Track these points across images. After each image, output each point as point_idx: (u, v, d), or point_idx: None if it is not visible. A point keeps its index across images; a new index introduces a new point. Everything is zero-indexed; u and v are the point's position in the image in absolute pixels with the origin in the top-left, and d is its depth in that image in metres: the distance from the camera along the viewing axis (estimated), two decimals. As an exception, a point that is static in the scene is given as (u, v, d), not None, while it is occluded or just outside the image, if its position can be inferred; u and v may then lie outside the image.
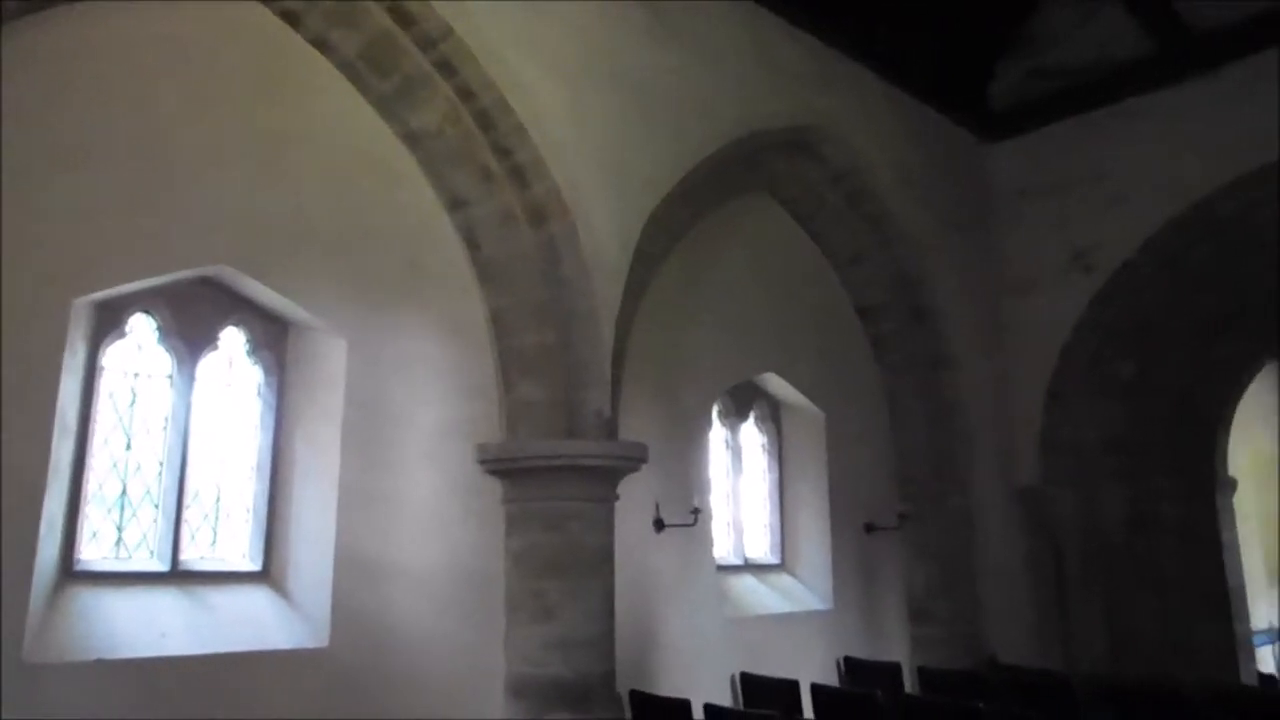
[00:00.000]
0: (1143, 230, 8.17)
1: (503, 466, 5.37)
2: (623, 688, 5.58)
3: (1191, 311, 8.28)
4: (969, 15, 8.49)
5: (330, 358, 5.07)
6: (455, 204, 5.51)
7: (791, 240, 7.96)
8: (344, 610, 4.75)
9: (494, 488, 5.44)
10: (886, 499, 8.17)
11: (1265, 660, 11.30)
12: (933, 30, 8.26)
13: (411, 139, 5.40)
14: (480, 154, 5.36)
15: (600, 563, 5.36)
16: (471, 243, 5.53)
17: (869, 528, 7.99)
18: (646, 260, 5.91)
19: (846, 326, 8.32)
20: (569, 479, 5.28)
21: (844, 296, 8.32)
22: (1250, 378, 8.77)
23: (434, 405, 5.34)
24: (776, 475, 8.00)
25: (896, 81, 8.13)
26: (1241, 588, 8.71)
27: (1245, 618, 8.73)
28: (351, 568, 4.82)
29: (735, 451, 7.71)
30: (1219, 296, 8.18)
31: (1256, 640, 10.29)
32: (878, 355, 8.41)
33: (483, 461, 5.40)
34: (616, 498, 5.55)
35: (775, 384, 7.81)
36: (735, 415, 7.73)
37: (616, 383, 5.56)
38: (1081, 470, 8.53)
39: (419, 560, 5.11)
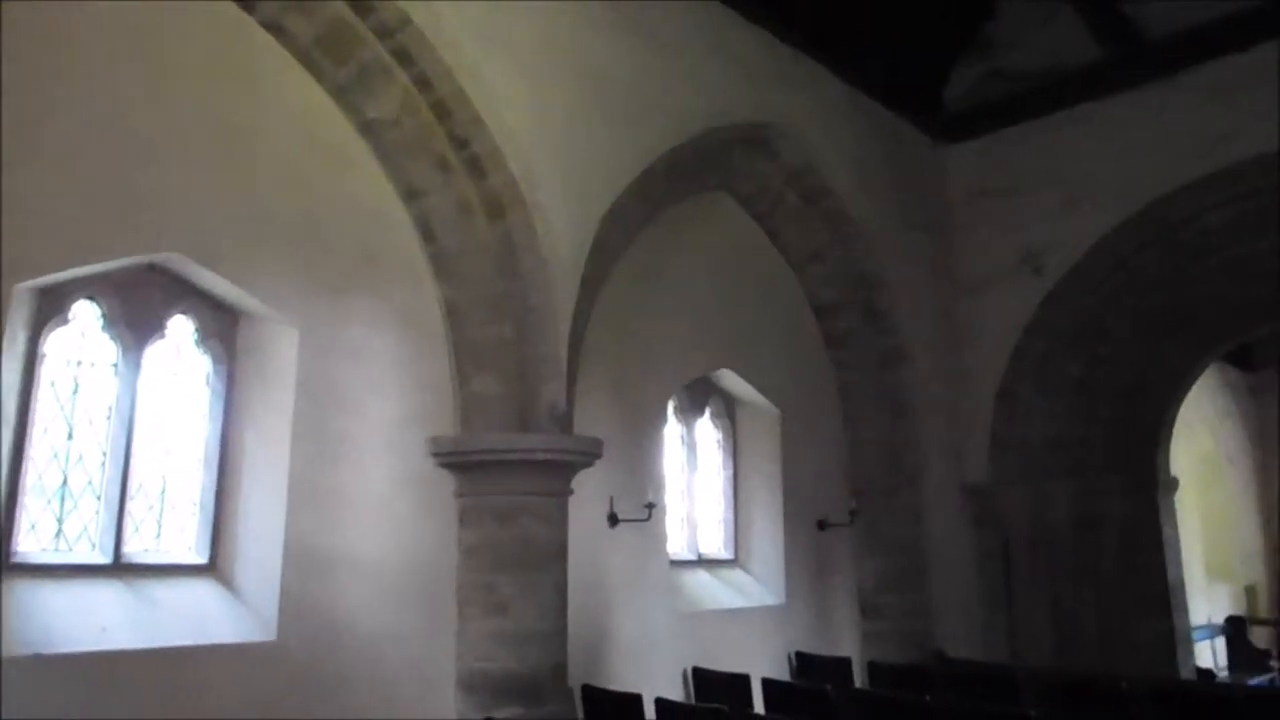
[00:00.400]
0: (1093, 233, 8.33)
1: (456, 460, 5.34)
2: (575, 682, 5.59)
3: (1138, 314, 8.45)
4: (927, 18, 8.58)
5: (282, 348, 5.00)
6: (411, 194, 5.45)
7: (749, 237, 8.00)
8: (293, 604, 4.69)
9: (447, 481, 5.40)
10: (839, 495, 8.25)
11: (1203, 655, 11.62)
12: (891, 32, 8.33)
13: (367, 128, 5.33)
14: (437, 144, 5.31)
15: (553, 557, 5.35)
16: (427, 234, 5.48)
17: (821, 524, 8.07)
18: (604, 255, 5.90)
19: (802, 324, 8.38)
20: (523, 473, 5.26)
21: (800, 294, 8.38)
22: (1193, 380, 8.98)
23: (387, 397, 5.28)
24: (731, 471, 8.04)
25: (855, 81, 8.20)
26: (1181, 584, 8.92)
27: (1185, 613, 8.95)
28: (301, 561, 4.76)
29: (691, 447, 7.74)
30: (1165, 300, 8.36)
31: (1195, 635, 10.57)
32: (832, 353, 8.49)
33: (436, 455, 5.35)
34: (570, 492, 5.55)
35: (731, 380, 7.85)
36: (691, 411, 7.76)
37: (572, 377, 5.55)
38: (1029, 468, 8.68)
39: (370, 553, 5.07)
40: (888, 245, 8.28)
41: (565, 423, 5.45)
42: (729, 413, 8.12)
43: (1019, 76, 8.88)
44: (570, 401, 5.52)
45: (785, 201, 7.86)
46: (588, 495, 5.95)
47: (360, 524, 5.06)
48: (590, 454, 5.55)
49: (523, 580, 5.22)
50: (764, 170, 7.61)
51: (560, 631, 5.36)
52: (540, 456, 5.26)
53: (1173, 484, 9.08)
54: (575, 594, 5.59)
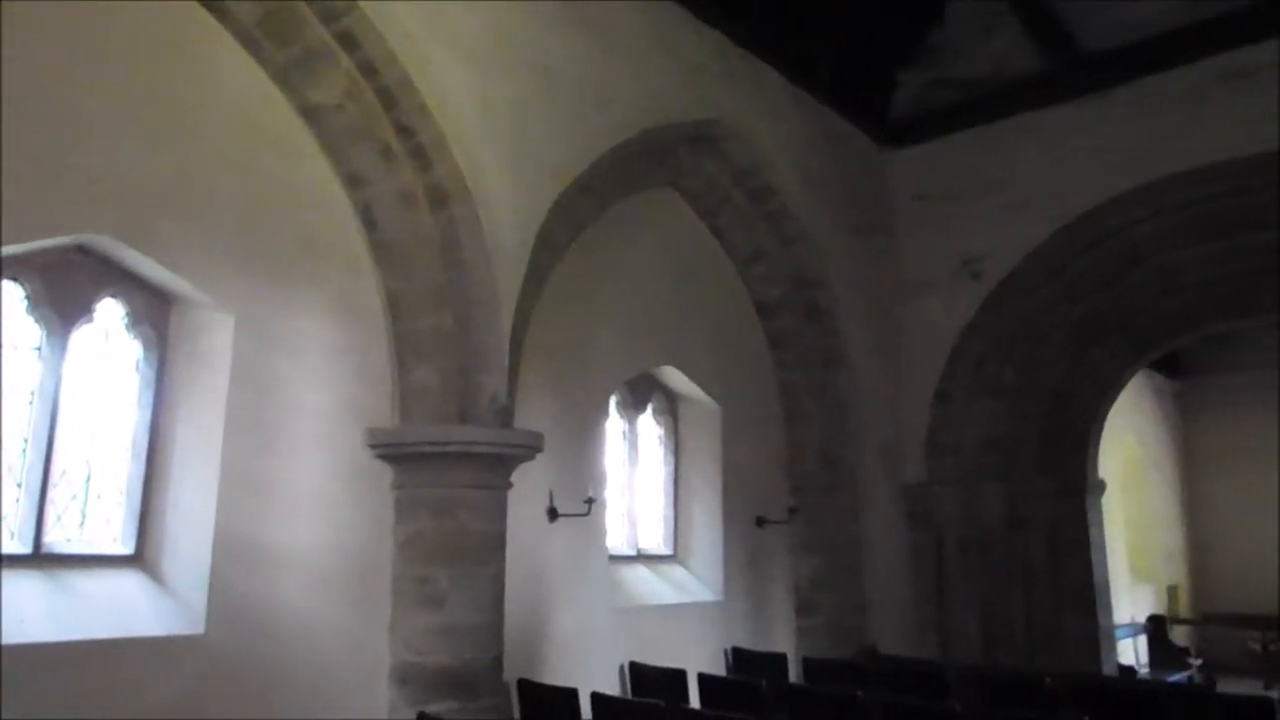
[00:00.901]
0: (1030, 240, 8.53)
1: (393, 451, 5.27)
2: (511, 676, 5.58)
3: (1071, 320, 8.67)
4: (875, 23, 8.69)
5: (216, 335, 4.89)
6: (353, 181, 5.37)
7: (695, 235, 8.04)
8: (222, 596, 4.59)
9: (384, 473, 5.33)
10: (777, 493, 8.34)
11: (1126, 652, 11.99)
12: (839, 35, 8.43)
13: (310, 113, 5.23)
14: (381, 132, 5.23)
15: (490, 551, 5.32)
16: (369, 222, 5.40)
17: (760, 521, 8.15)
18: (549, 248, 5.88)
19: (745, 322, 8.45)
20: (461, 466, 5.21)
21: (744, 292, 8.44)
22: (1122, 386, 9.23)
23: (324, 387, 5.20)
24: (672, 467, 8.08)
25: (802, 84, 8.28)
26: (1106, 584, 9.18)
27: (1109, 612, 9.21)
28: (231, 552, 4.66)
29: (632, 443, 7.75)
30: (1096, 307, 8.58)
31: (1119, 634, 10.90)
32: (774, 352, 8.57)
33: (373, 446, 5.29)
34: (510, 486, 5.52)
35: (674, 377, 7.88)
36: (633, 407, 7.77)
37: (514, 370, 5.52)
38: (963, 469, 8.86)
39: (303, 545, 4.98)
40: (831, 247, 8.38)
41: (506, 416, 5.42)
42: (671, 409, 8.15)
43: (963, 84, 9.04)
44: (511, 395, 5.49)
45: (732, 200, 7.91)
46: (527, 489, 5.93)
47: (294, 515, 4.97)
48: (531, 448, 5.53)
49: (459, 573, 5.18)
50: (711, 169, 7.65)
51: (496, 625, 5.34)
52: (480, 449, 5.23)
53: (1100, 487, 9.33)
54: (513, 588, 5.57)
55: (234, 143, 4.95)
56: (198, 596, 4.56)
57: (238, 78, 5.02)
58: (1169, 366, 15.17)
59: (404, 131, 5.21)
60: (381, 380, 5.41)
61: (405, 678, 5.09)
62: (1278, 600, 13.58)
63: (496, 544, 5.38)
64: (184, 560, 4.66)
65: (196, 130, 4.81)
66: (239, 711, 4.55)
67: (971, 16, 8.95)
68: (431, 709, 4.90)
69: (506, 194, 5.47)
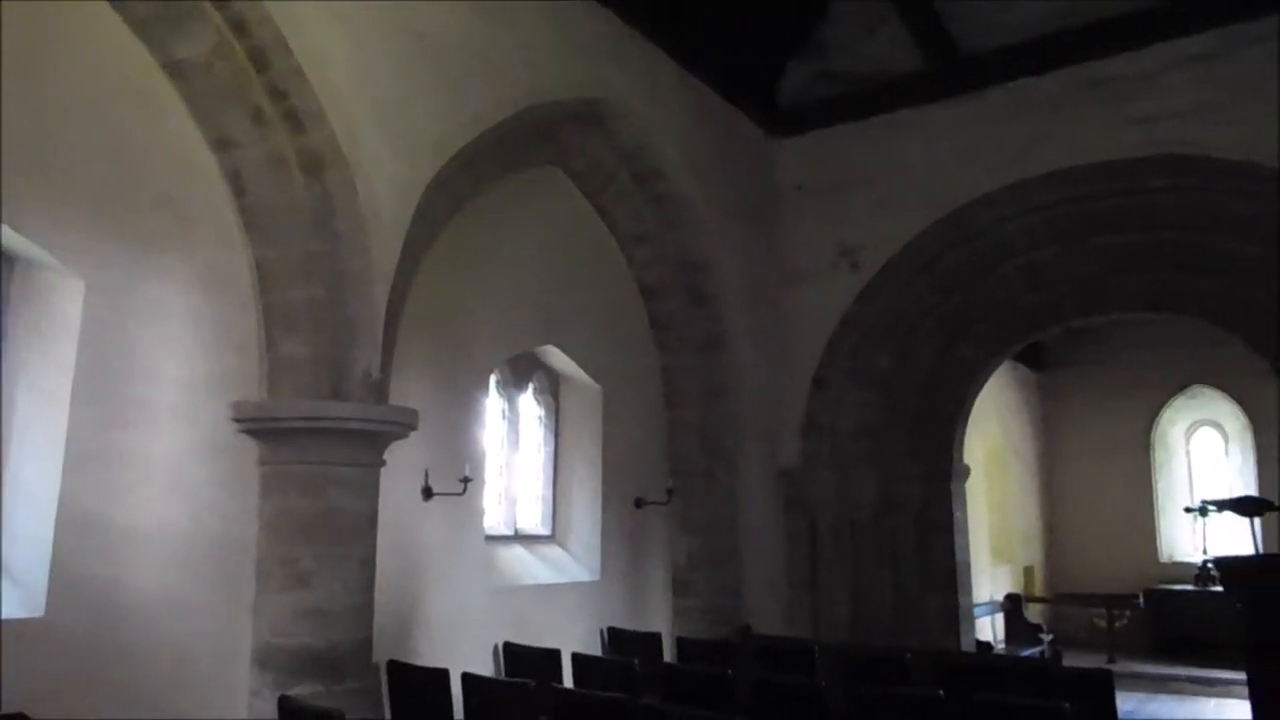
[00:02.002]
0: (904, 234, 8.81)
1: (260, 427, 5.08)
2: (382, 658, 5.47)
3: (941, 312, 9.01)
4: (766, 12, 8.79)
5: (64, 300, 4.59)
6: (222, 144, 5.12)
7: (580, 215, 8.00)
8: (65, 577, 4.33)
9: (250, 449, 5.13)
10: (657, 475, 8.41)
11: (984, 629, 12.61)
12: (731, 22, 8.50)
13: (175, 69, 4.96)
14: (253, 94, 5.00)
15: (361, 530, 5.20)
16: (238, 187, 5.17)
17: (639, 502, 8.20)
18: (428, 222, 5.75)
19: (629, 304, 8.47)
20: (331, 442, 5.06)
21: (628, 274, 8.46)
22: (986, 377, 9.65)
23: (186, 359, 4.96)
24: (552, 448, 8.04)
25: (693, 68, 8.31)
26: (968, 565, 9.62)
27: (969, 591, 9.66)
28: (77, 531, 4.40)
29: (512, 422, 7.68)
30: (965, 300, 8.95)
31: (978, 611, 11.46)
32: (657, 334, 8.63)
33: (238, 420, 5.08)
34: (382, 464, 5.39)
35: (556, 357, 7.84)
36: (514, 386, 7.70)
37: (389, 345, 5.39)
38: (838, 454, 9.13)
39: (159, 523, 4.75)
40: (715, 232, 8.46)
41: (380, 392, 5.29)
42: (553, 389, 8.11)
43: (847, 78, 9.25)
44: (386, 370, 5.36)
45: (617, 181, 7.90)
46: (401, 467, 5.82)
47: (150, 492, 4.73)
48: (405, 425, 5.41)
49: (327, 553, 5.03)
50: (597, 149, 7.62)
51: (366, 606, 5.22)
52: (351, 425, 5.09)
53: (965, 472, 9.74)
54: (385, 568, 5.46)
55: (88, 96, 4.65)
56: (37, 577, 4.29)
57: (94, 27, 4.71)
58: (1032, 358, 15.94)
59: (277, 94, 5.00)
60: (249, 352, 5.20)
61: (268, 661, 4.93)
62: (1123, 580, 14.52)
63: (367, 523, 5.25)
64: (22, 538, 4.37)
65: (47, 81, 4.50)
66: (86, 697, 4.31)
67: (857, 13, 9.16)
68: (294, 692, 4.74)
69: (384, 164, 5.32)
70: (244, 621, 4.99)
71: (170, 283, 4.92)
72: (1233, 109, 7.39)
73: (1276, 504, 12.53)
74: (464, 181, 6.17)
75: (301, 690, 4.78)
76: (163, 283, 4.89)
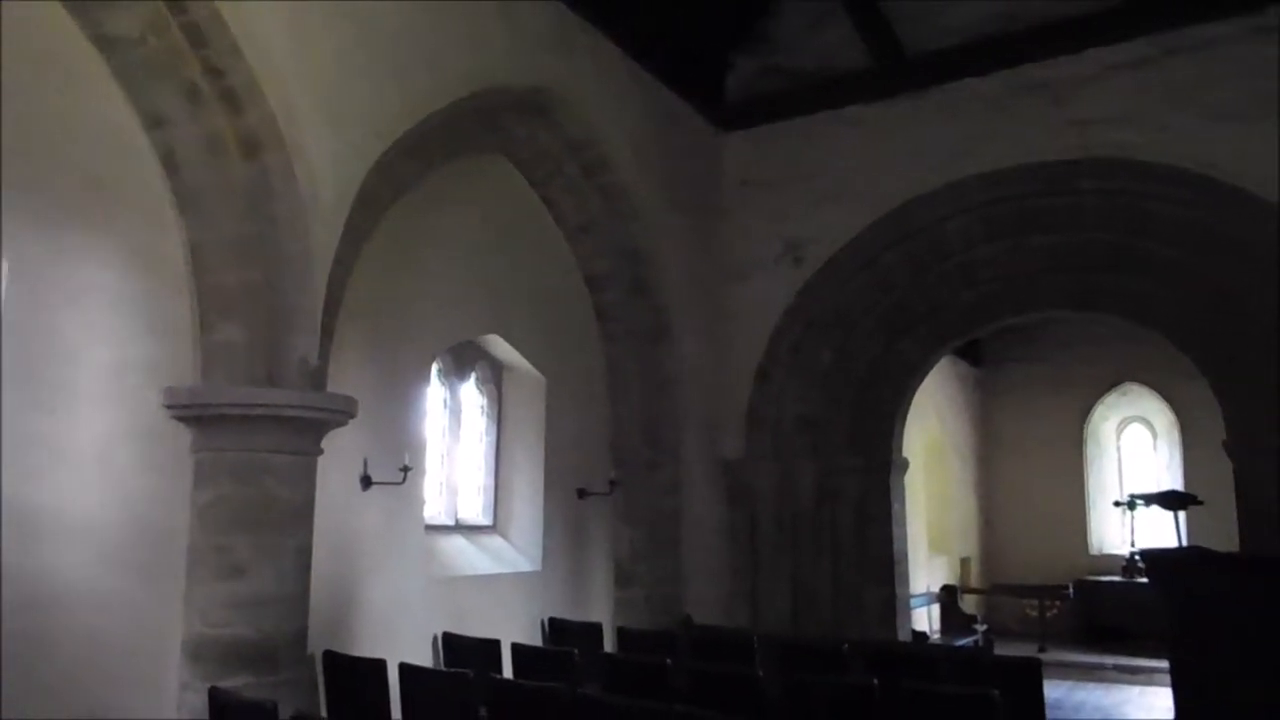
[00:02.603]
0: (847, 230, 8.92)
1: (193, 413, 4.96)
2: (318, 648, 5.41)
3: (882, 308, 9.14)
4: (713, 5, 8.82)
5: (-15, 281, 4.45)
6: (154, 122, 4.98)
7: (525, 203, 7.94)
8: (-15, 565, 4.21)
9: (182, 435, 5.01)
10: (600, 465, 8.41)
11: (920, 620, 12.84)
12: (678, 15, 8.51)
13: (105, 43, 4.81)
14: (188, 71, 4.87)
15: (297, 519, 5.11)
16: (171, 167, 5.03)
17: (581, 493, 8.20)
18: (370, 207, 5.66)
19: (574, 294, 8.44)
20: (267, 429, 4.97)
21: (573, 264, 8.43)
22: (925, 372, 9.81)
23: (116, 342, 4.83)
24: (494, 437, 8.00)
25: (639, 60, 8.30)
26: (905, 556, 9.77)
27: (906, 582, 9.82)
28: (-2, 518, 4.27)
29: (454, 412, 7.62)
30: (905, 296, 9.08)
31: (915, 602, 11.65)
32: (601, 325, 8.62)
33: (171, 406, 4.95)
34: (320, 452, 5.31)
35: (499, 346, 7.79)
36: (456, 375, 7.64)
37: (328, 331, 5.30)
38: (780, 446, 9.21)
39: (85, 511, 4.62)
40: (661, 224, 8.48)
41: (317, 379, 5.21)
42: (495, 379, 8.06)
43: (793, 74, 9.32)
44: (324, 357, 5.27)
45: (563, 171, 7.86)
46: (339, 456, 5.74)
47: (75, 479, 4.60)
48: (343, 413, 5.34)
49: (262, 542, 4.95)
50: (543, 138, 7.57)
51: (302, 596, 5.14)
52: (288, 413, 4.99)
53: (904, 465, 9.90)
54: (322, 558, 5.38)
55: (12, 70, 4.49)
56: (-48, 565, 4.16)
57: (21, -2, 4.56)
58: (972, 355, 16.27)
59: (213, 72, 4.88)
60: (181, 337, 5.07)
61: (199, 652, 4.82)
62: (1054, 571, 14.91)
63: (304, 512, 5.17)
64: (-61, 526, 4.23)
65: (-31, 52, 4.34)
66: (6, 693, 4.18)
67: (803, 9, 9.23)
68: (226, 683, 4.66)
69: (325, 148, 5.22)
70: (174, 612, 4.88)
71: (98, 263, 4.79)
72: (1160, 115, 7.62)
73: (1200, 498, 13.03)
74: (407, 167, 6.09)
75: (234, 682, 4.69)
76: (91, 264, 4.76)
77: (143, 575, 4.82)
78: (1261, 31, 7.37)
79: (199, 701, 4.54)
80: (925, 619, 13.50)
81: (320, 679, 5.47)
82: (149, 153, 5.01)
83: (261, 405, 4.93)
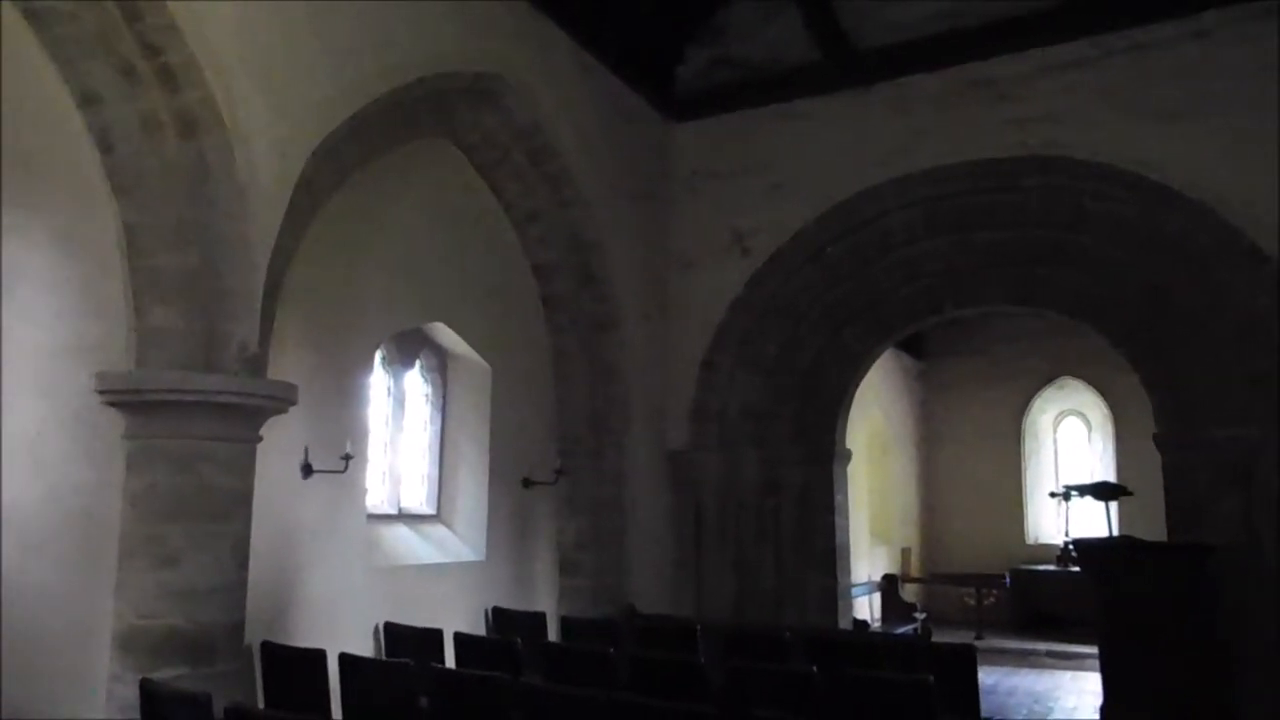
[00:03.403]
0: (794, 222, 9.01)
1: (127, 399, 4.84)
2: (257, 639, 5.33)
3: (827, 300, 9.23)
4: (665, -4, 8.83)
5: (-97, 259, 4.29)
6: (87, 100, 4.84)
7: (472, 190, 7.87)
8: (-97, 555, 4.07)
9: (115, 422, 4.89)
10: (545, 454, 8.39)
11: (862, 608, 13.06)
12: (629, 4, 8.49)
13: (34, 15, 4.65)
14: (123, 47, 4.73)
15: (234, 507, 5.03)
16: (105, 146, 4.89)
17: (526, 482, 8.18)
18: (313, 191, 5.58)
19: (520, 283, 8.40)
20: (204, 416, 4.87)
21: (520, 252, 8.38)
22: (869, 364, 9.93)
23: (45, 325, 4.70)
24: (439, 426, 7.94)
25: (591, 49, 8.28)
26: (847, 546, 9.91)
27: (848, 571, 9.96)
28: (-83, 506, 4.13)
29: (398, 400, 7.55)
30: (850, 289, 9.18)
31: (856, 591, 11.85)
32: (547, 314, 8.59)
33: (103, 392, 4.83)
34: (259, 439, 5.22)
35: (444, 334, 7.73)
36: (400, 363, 7.56)
37: (268, 317, 5.21)
38: (725, 437, 9.28)
39: (12, 501, 4.49)
40: (608, 213, 8.47)
41: (257, 365, 5.12)
42: (440, 367, 8.00)
43: (744, 66, 9.36)
44: (264, 343, 5.19)
45: (511, 158, 7.81)
46: (280, 443, 5.65)
47: (3, 467, 4.46)
48: (283, 400, 5.25)
49: (198, 531, 4.85)
50: (491, 125, 7.51)
51: (239, 586, 5.06)
52: (225, 399, 4.90)
53: (847, 456, 10.02)
54: (260, 547, 5.30)
55: (-63, 41, 4.34)
56: None
57: (-55, -33, 4.40)
58: (915, 348, 16.52)
59: (150, 50, 4.75)
60: (115, 320, 4.95)
61: (130, 644, 4.72)
62: (992, 561, 15.24)
63: (242, 500, 5.09)
64: None
65: (-111, 22, 4.18)
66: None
67: (754, 3, 9.27)
68: (159, 675, 4.57)
69: (266, 130, 5.12)
70: (105, 603, 4.76)
71: (25, 244, 4.65)
72: (1097, 114, 7.82)
73: (1130, 490, 13.41)
74: (351, 151, 6.00)
75: (167, 674, 4.60)
76: (20, 244, 4.62)
77: (73, 565, 4.70)
78: (1197, 36, 7.59)
79: (129, 694, 4.45)
80: (866, 607, 13.73)
81: (258, 670, 5.40)
82: (81, 131, 4.87)
83: (198, 391, 4.83)
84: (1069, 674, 11.40)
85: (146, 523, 4.81)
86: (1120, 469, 15.25)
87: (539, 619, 7.28)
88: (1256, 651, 6.94)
